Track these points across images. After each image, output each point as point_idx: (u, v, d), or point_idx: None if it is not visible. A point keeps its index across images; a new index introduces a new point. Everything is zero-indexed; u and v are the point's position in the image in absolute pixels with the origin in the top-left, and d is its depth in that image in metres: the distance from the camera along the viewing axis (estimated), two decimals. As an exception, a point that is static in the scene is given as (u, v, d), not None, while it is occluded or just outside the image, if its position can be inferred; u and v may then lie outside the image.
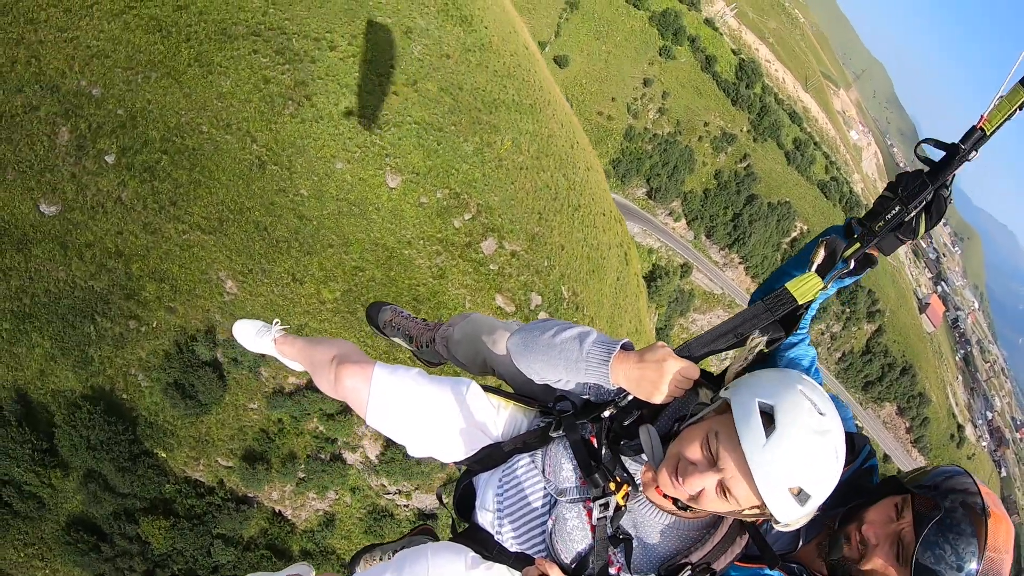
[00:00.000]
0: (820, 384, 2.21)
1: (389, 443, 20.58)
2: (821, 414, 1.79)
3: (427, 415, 2.48)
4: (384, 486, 22.07)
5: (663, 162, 67.39)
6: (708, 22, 76.95)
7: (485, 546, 2.43)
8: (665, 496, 2.01)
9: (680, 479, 1.90)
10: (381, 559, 3.92)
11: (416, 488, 22.15)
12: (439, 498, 2.91)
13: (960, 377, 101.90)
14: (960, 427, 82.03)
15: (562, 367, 2.21)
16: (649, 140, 66.89)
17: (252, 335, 3.81)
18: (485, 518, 2.50)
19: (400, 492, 22.31)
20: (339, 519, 22.00)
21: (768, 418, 1.78)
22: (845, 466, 1.87)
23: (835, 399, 2.05)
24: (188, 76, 18.36)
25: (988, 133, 1.92)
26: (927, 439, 72.17)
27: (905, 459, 66.50)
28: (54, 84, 17.80)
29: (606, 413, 2.23)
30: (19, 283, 18.15)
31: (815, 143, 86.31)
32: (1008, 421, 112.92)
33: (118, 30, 18.08)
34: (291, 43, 19.04)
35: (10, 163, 17.98)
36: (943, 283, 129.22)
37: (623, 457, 2.18)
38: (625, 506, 2.14)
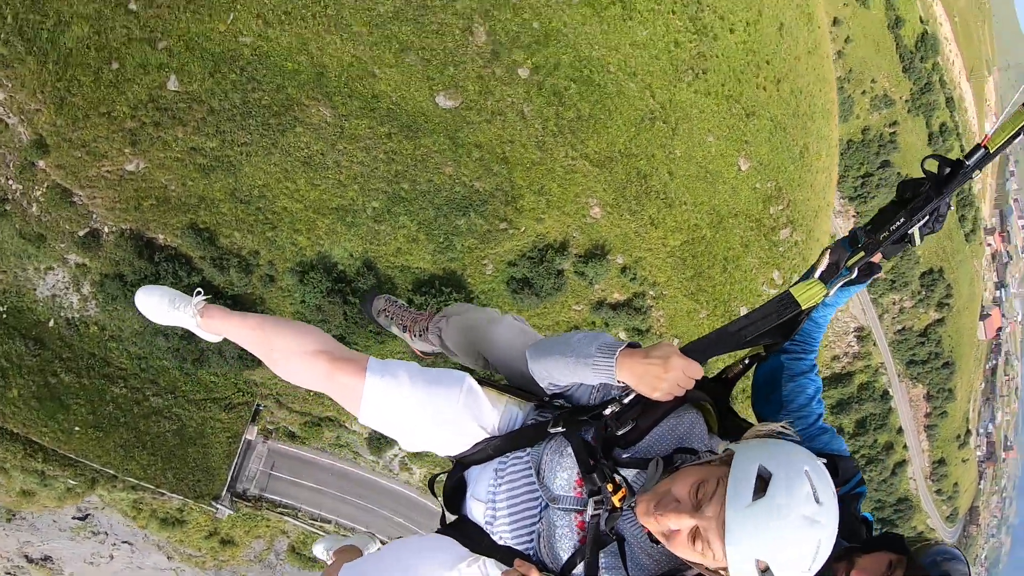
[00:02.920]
0: (822, 414, 2.36)
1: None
2: (818, 503, 1.74)
3: (422, 412, 2.46)
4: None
5: (825, 102, 68.57)
6: (909, -18, 74.68)
7: (474, 539, 2.41)
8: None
9: (659, 513, 1.88)
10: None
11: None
12: (430, 488, 2.78)
13: (983, 385, 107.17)
14: (968, 432, 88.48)
15: (572, 363, 2.28)
16: (819, 77, 67.79)
17: (164, 306, 3.45)
18: (477, 509, 2.49)
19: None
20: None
21: (762, 484, 1.77)
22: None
23: (831, 432, 2.22)
24: (609, 14, 18.93)
25: (991, 151, 2.01)
26: (938, 430, 77.83)
27: (914, 439, 73.33)
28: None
29: (608, 410, 2.25)
30: (401, 168, 18.29)
31: (958, 133, 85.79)
32: (1001, 439, 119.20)
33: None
34: (703, 15, 20.17)
35: (414, 48, 17.56)
36: (1003, 289, 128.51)
37: (617, 466, 2.18)
38: (621, 509, 2.11)
